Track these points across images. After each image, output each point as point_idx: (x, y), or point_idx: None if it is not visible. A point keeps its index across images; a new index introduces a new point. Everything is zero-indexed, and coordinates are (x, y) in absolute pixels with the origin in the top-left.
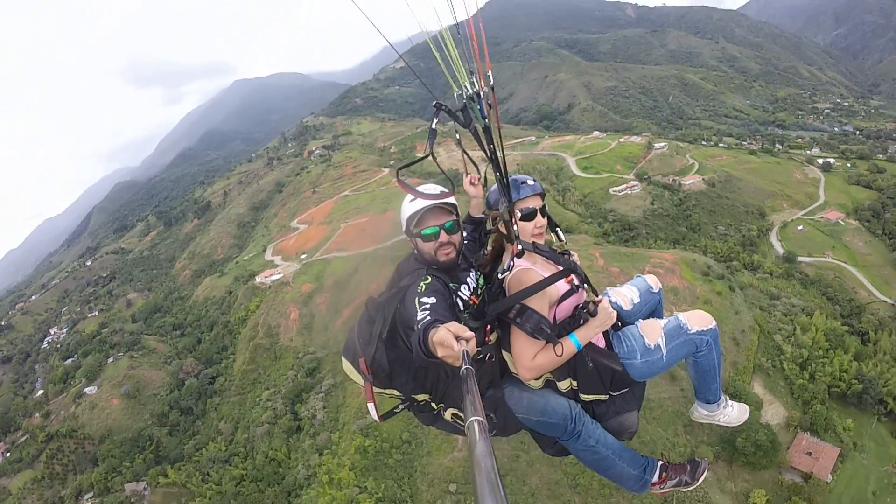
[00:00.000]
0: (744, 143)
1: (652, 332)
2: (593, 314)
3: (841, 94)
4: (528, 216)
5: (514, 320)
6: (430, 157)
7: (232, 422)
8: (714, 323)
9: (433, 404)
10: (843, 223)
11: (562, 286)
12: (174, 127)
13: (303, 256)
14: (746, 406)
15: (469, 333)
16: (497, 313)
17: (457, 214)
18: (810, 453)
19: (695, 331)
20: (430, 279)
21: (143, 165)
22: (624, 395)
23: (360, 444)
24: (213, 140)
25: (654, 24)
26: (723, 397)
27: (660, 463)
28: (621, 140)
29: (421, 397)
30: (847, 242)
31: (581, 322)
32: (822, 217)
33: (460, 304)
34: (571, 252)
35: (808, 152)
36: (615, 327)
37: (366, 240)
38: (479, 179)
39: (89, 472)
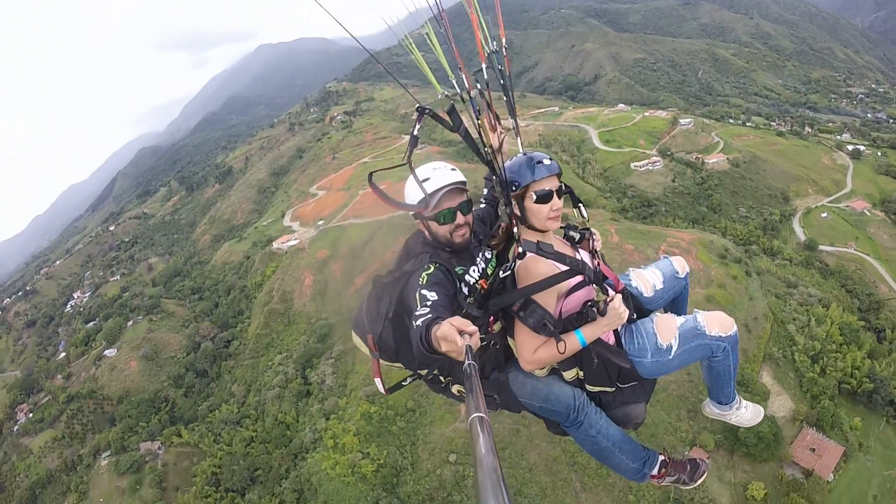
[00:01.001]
0: (772, 123)
1: (667, 330)
2: (602, 313)
3: (877, 80)
4: (544, 198)
5: (517, 313)
6: (408, 166)
7: (244, 385)
8: (734, 329)
9: (441, 377)
10: (868, 213)
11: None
12: (198, 92)
13: (320, 223)
14: (761, 408)
15: (473, 328)
16: (499, 308)
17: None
18: (814, 450)
19: (712, 335)
20: (432, 269)
21: (168, 130)
22: (633, 387)
23: (365, 410)
24: (236, 105)
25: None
26: (736, 398)
27: (661, 458)
28: (646, 114)
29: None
30: (872, 234)
31: (588, 318)
32: (847, 206)
33: (465, 289)
34: (593, 231)
35: (839, 137)
36: (629, 319)
37: (382, 207)
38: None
39: (107, 432)
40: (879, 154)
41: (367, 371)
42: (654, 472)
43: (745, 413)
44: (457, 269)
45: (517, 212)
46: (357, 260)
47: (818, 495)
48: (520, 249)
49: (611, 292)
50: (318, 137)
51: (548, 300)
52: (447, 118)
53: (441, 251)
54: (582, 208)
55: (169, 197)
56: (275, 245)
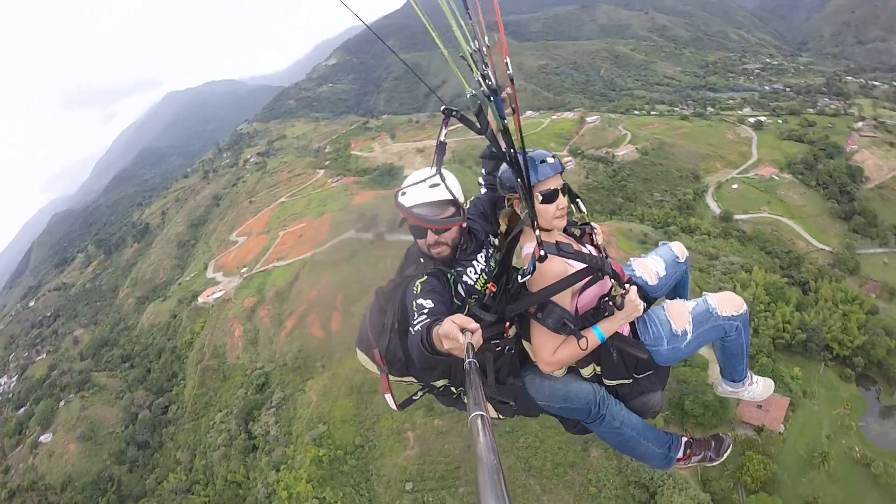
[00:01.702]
0: (676, 109)
1: (679, 316)
2: (619, 307)
3: (770, 54)
4: (549, 198)
5: (534, 315)
6: (439, 175)
7: (189, 449)
8: (745, 307)
9: (452, 388)
10: (777, 178)
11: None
12: (109, 147)
13: (243, 270)
14: (771, 381)
15: (475, 325)
16: (516, 313)
17: (456, 206)
18: (760, 406)
19: (725, 315)
20: (425, 277)
21: (81, 192)
22: (648, 376)
23: (314, 455)
24: (148, 158)
25: (583, 0)
26: (748, 375)
27: (684, 439)
28: (554, 117)
29: (440, 383)
30: (782, 196)
31: (605, 313)
32: (756, 174)
33: (462, 291)
34: (594, 225)
35: (740, 112)
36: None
37: (304, 246)
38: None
39: None
40: (780, 121)
41: (310, 414)
42: (680, 454)
43: (757, 388)
44: (449, 272)
45: (517, 209)
46: (284, 303)
47: (773, 447)
48: (542, 252)
49: (626, 285)
50: (234, 182)
51: (563, 299)
52: (475, 120)
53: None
54: (580, 203)
55: (88, 263)
56: (200, 299)
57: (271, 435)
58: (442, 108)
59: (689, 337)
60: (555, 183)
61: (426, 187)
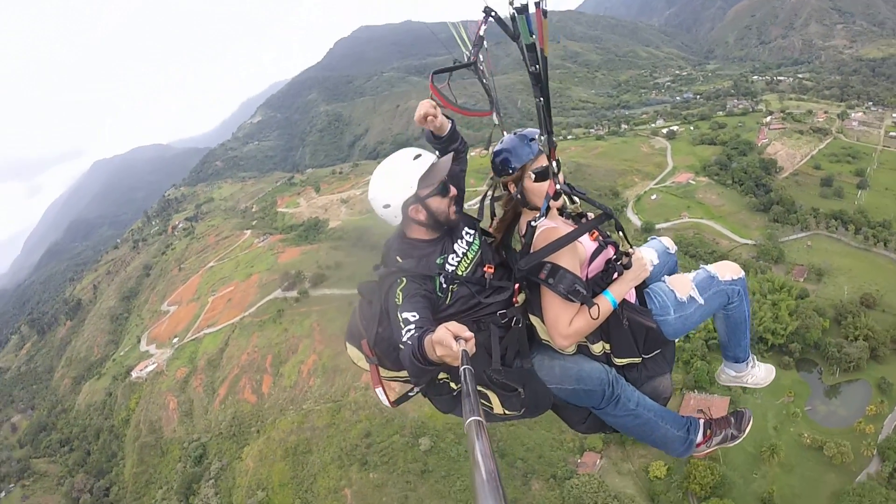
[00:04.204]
0: (591, 130)
1: (682, 285)
2: (627, 266)
3: (679, 66)
4: (543, 175)
5: (545, 281)
6: (475, 66)
7: None
8: (743, 272)
9: (452, 384)
10: (693, 182)
11: (589, 245)
12: (38, 221)
13: (174, 340)
14: (772, 366)
15: (468, 334)
16: (529, 268)
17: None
18: (701, 410)
19: (726, 280)
20: (405, 282)
21: (12, 270)
22: (655, 357)
23: None
24: (79, 230)
25: (496, 36)
26: (751, 356)
27: (702, 421)
28: (472, 154)
29: (441, 375)
30: (701, 199)
31: (614, 276)
32: (673, 182)
33: (443, 282)
34: (589, 214)
35: (653, 125)
36: (642, 285)
37: (233, 310)
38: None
39: None
40: (692, 128)
41: (248, 482)
42: (699, 438)
43: (760, 372)
44: (434, 273)
45: (514, 194)
46: (216, 370)
47: (719, 451)
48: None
49: (633, 248)
50: (163, 250)
51: (573, 267)
52: (509, 25)
53: (414, 247)
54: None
55: (21, 345)
56: (133, 374)
57: None
58: (483, 8)
59: (696, 304)
60: (545, 160)
61: (417, 164)
